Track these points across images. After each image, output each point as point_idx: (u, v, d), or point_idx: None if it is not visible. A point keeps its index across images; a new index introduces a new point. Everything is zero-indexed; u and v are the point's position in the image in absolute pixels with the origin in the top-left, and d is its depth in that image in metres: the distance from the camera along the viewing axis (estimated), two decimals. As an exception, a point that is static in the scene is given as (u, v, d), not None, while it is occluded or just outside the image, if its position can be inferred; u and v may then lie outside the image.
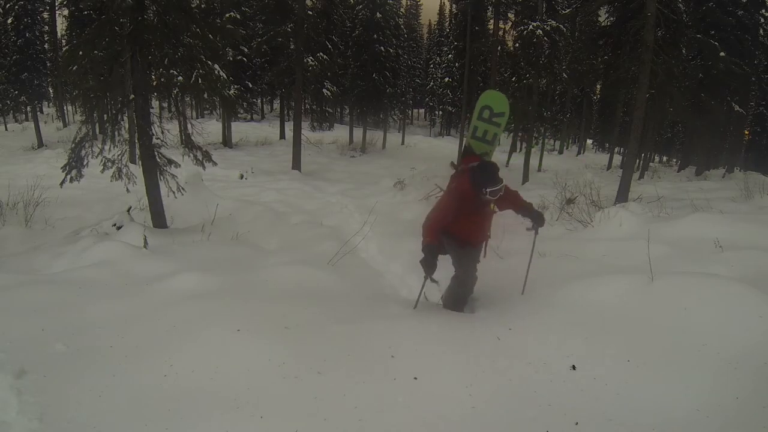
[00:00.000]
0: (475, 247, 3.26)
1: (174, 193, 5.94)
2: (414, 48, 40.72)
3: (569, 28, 13.17)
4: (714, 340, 2.25)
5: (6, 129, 24.51)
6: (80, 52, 5.08)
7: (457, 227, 3.11)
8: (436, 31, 43.85)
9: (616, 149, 20.51)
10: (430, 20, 48.18)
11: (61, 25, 21.82)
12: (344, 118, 34.45)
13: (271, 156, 18.38)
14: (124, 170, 5.64)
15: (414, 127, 39.13)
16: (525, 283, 3.34)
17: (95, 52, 5.14)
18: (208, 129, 16.23)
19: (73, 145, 5.35)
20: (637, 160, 13.71)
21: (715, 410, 1.94)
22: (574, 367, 2.35)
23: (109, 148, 5.59)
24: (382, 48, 21.95)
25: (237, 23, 16.86)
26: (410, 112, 41.34)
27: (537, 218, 3.35)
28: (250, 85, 22.42)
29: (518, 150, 21.33)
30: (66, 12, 17.15)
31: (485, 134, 4.52)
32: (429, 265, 3.02)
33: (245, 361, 2.18)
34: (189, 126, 6.37)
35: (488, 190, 2.92)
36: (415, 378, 2.17)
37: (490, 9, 18.52)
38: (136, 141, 6.00)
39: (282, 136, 23.32)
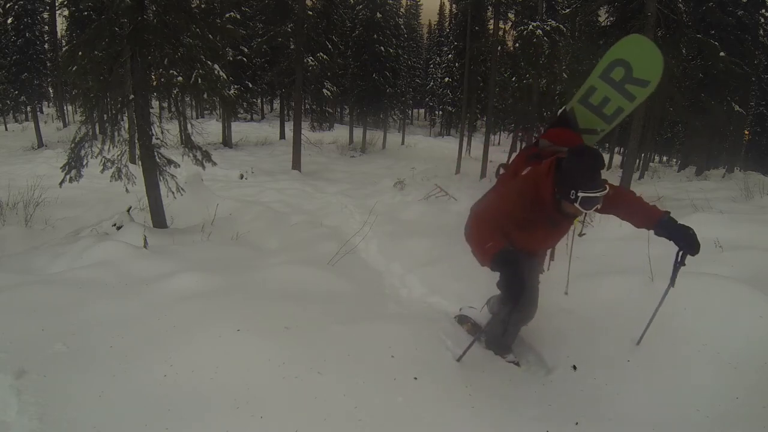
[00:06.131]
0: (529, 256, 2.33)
1: (174, 193, 5.94)
2: (414, 48, 40.70)
3: (569, 28, 13.14)
4: (714, 340, 2.25)
5: (6, 129, 24.53)
6: (80, 53, 5.08)
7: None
8: (436, 31, 43.86)
9: (616, 149, 20.51)
10: (430, 20, 48.22)
11: (61, 25, 21.87)
12: (344, 118, 34.47)
13: (271, 156, 18.39)
14: (124, 170, 5.64)
15: (414, 127, 39.14)
16: (644, 332, 2.38)
17: (95, 52, 5.14)
18: (208, 129, 16.30)
19: (73, 145, 5.35)
20: (637, 160, 13.70)
21: (715, 410, 1.94)
22: (574, 367, 2.36)
23: (109, 148, 5.59)
24: (382, 48, 21.97)
25: (237, 23, 16.86)
26: (410, 112, 41.35)
27: (684, 239, 2.07)
28: (250, 85, 22.42)
29: (518, 149, 21.34)
30: (66, 12, 17.15)
31: (603, 103, 2.80)
32: (515, 279, 1.96)
33: (245, 361, 2.18)
34: (189, 126, 6.38)
35: (581, 195, 1.87)
36: (415, 378, 2.16)
37: (490, 9, 18.50)
38: (136, 141, 6.01)
39: (282, 136, 23.33)
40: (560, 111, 2.87)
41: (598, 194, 1.88)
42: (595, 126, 2.84)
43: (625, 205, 2.20)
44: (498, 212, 2.13)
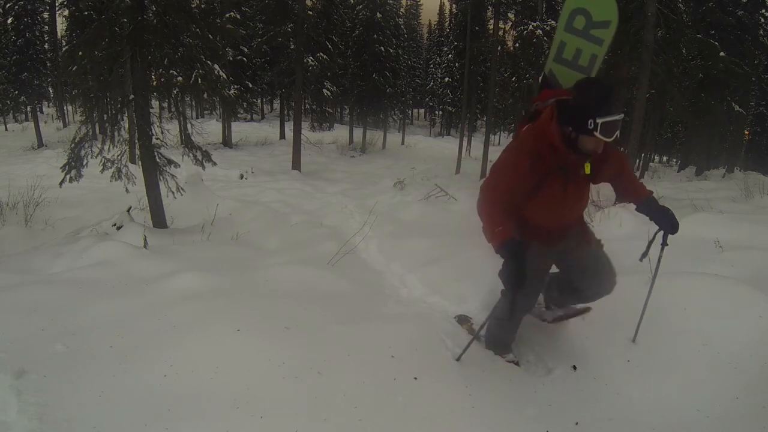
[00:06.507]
0: (540, 244, 2.17)
1: (174, 193, 5.95)
2: (414, 48, 40.74)
3: (569, 28, 13.16)
4: (714, 340, 2.25)
5: (6, 129, 24.56)
6: (80, 53, 5.08)
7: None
8: (436, 31, 43.90)
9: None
10: (430, 20, 48.31)
11: (61, 25, 21.90)
12: (344, 118, 34.49)
13: (271, 156, 18.39)
14: (124, 170, 5.65)
15: (414, 127, 39.17)
16: (638, 327, 2.40)
17: (95, 52, 5.14)
18: (208, 129, 16.31)
19: (73, 145, 5.36)
20: (637, 160, 13.71)
21: (715, 410, 1.94)
22: (574, 367, 2.36)
23: (109, 148, 5.59)
24: (382, 48, 21.99)
25: (237, 23, 16.88)
26: (410, 112, 41.38)
27: (664, 219, 2.13)
28: (250, 85, 22.44)
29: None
30: (66, 12, 17.17)
31: (577, 55, 2.90)
32: (517, 273, 1.90)
33: (245, 361, 2.18)
34: (189, 126, 6.38)
35: (600, 121, 1.76)
36: (415, 378, 2.16)
37: (490, 9, 18.53)
38: (136, 141, 6.02)
39: (282, 136, 23.35)
40: (540, 77, 2.99)
41: (617, 117, 1.80)
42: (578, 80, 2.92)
43: (626, 174, 2.28)
44: (501, 191, 2.02)
